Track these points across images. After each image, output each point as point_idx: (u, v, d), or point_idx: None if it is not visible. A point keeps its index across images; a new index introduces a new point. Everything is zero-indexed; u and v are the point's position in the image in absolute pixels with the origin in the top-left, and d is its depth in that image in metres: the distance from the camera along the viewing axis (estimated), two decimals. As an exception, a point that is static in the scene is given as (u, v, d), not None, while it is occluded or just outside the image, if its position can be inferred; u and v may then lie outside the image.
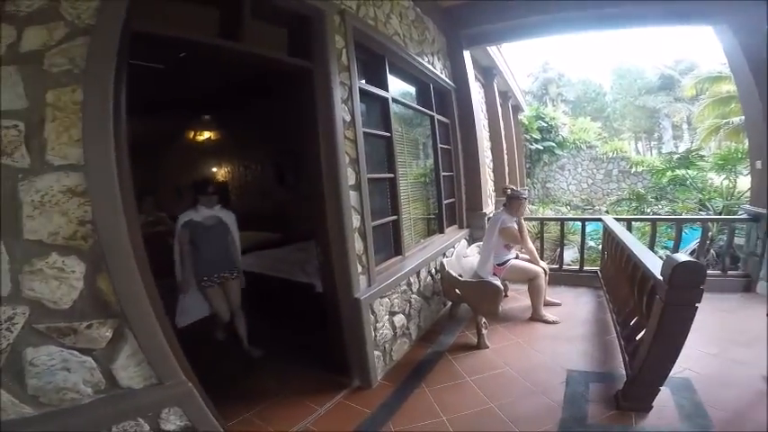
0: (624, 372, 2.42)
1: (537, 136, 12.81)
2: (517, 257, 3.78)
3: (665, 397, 2.23)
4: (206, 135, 6.11)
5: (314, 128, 2.47)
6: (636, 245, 2.85)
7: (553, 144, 13.34)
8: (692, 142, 18.19)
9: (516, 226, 3.59)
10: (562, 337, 3.23)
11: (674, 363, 2.05)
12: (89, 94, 1.35)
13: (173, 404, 1.59)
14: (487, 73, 6.73)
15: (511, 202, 3.64)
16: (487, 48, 5.79)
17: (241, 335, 3.18)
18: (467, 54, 4.94)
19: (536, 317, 3.57)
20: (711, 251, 5.83)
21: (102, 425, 1.43)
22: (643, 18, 4.41)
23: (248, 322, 3.24)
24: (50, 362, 1.34)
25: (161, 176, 6.21)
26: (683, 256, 1.95)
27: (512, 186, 4.07)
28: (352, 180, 2.62)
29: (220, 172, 6.44)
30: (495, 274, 3.54)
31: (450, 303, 3.88)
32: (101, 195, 1.37)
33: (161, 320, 1.55)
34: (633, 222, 4.91)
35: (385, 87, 3.25)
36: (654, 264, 2.20)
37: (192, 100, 4.96)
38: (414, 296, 3.36)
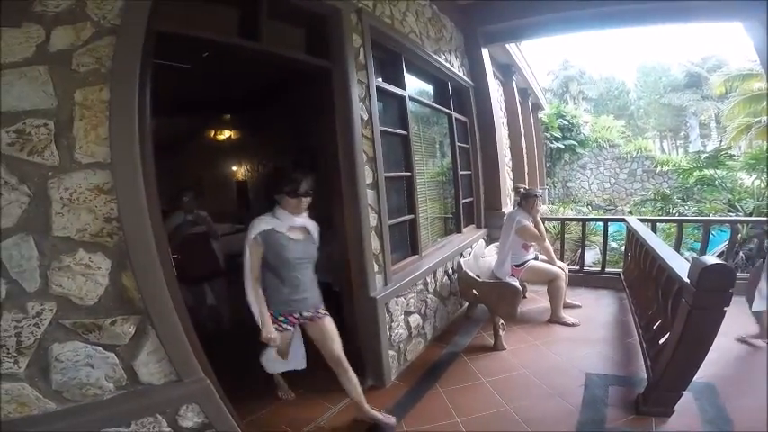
0: (645, 376, 2.36)
1: (557, 134, 12.56)
2: (536, 258, 3.72)
3: (687, 402, 2.17)
4: (226, 134, 6.22)
5: (332, 126, 2.48)
6: (661, 246, 2.76)
7: (574, 143, 13.06)
8: (720, 141, 17.55)
9: (533, 224, 3.52)
10: (582, 339, 3.16)
11: (698, 367, 1.99)
12: (115, 93, 1.38)
13: (191, 401, 1.62)
14: (506, 70, 6.63)
15: (526, 200, 3.59)
16: (506, 45, 5.70)
17: None
18: (485, 52, 4.87)
19: (555, 319, 3.50)
20: (741, 253, 5.61)
21: (122, 420, 1.46)
22: (668, 15, 4.26)
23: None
24: (75, 357, 1.37)
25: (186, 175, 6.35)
26: (711, 259, 1.87)
27: (523, 185, 4.04)
28: (369, 179, 2.62)
29: (240, 171, 6.54)
30: (512, 276, 3.50)
31: (466, 304, 3.84)
32: (126, 193, 1.40)
33: (182, 318, 1.57)
34: (658, 223, 4.76)
35: (402, 86, 3.24)
36: (680, 266, 2.12)
37: (216, 99, 5.05)
38: (430, 296, 3.34)
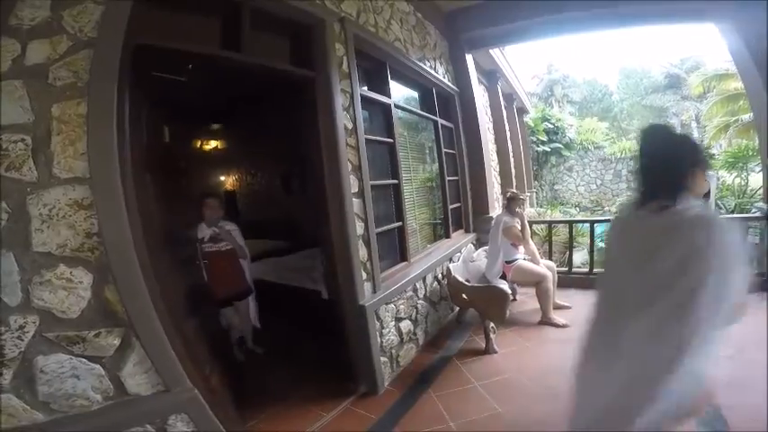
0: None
1: (543, 138, 12.75)
2: (524, 259, 3.77)
3: None
4: (213, 144, 6.18)
5: (316, 136, 2.49)
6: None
7: (560, 145, 13.27)
8: (701, 140, 17.92)
9: (518, 225, 3.68)
10: (573, 340, 3.11)
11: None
12: (93, 107, 1.38)
13: (179, 410, 1.62)
14: (491, 76, 6.72)
15: (509, 203, 3.81)
16: (490, 51, 5.78)
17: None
18: (469, 58, 4.94)
19: (545, 320, 3.53)
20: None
21: (111, 430, 1.46)
22: (645, 17, 4.39)
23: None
24: (60, 369, 1.37)
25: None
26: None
27: (511, 189, 4.34)
28: (354, 187, 2.63)
29: (228, 180, 6.50)
30: (504, 274, 3.60)
31: (457, 308, 3.85)
32: (106, 208, 1.40)
33: (167, 329, 1.56)
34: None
35: (387, 93, 3.27)
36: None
37: (205, 109, 5.03)
38: (420, 302, 3.34)
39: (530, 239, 3.78)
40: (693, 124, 22.76)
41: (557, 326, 3.46)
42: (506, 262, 3.69)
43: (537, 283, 3.56)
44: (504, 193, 4.04)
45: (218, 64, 2.07)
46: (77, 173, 1.37)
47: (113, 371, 1.47)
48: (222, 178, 6.51)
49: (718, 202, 7.00)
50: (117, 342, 1.47)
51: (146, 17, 1.58)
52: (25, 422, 1.32)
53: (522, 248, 3.78)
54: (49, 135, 1.32)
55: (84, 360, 1.41)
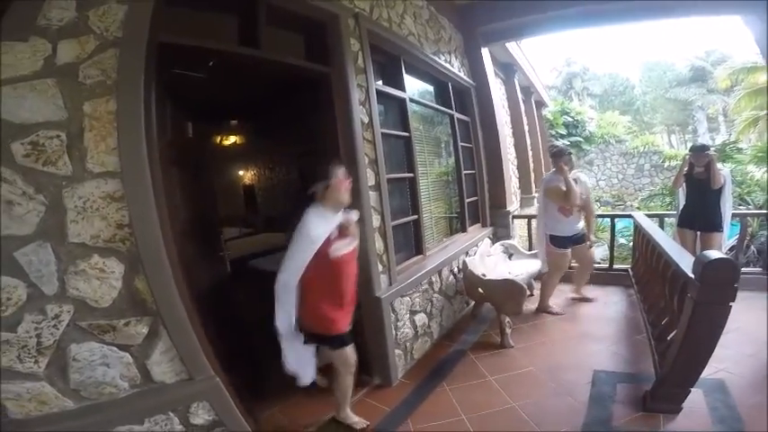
0: (654, 372, 2.35)
1: (563, 131, 12.48)
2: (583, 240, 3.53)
3: (696, 398, 2.16)
4: (232, 139, 6.30)
5: (333, 130, 2.52)
6: (667, 241, 2.76)
7: (580, 139, 12.98)
8: (729, 134, 17.27)
9: (564, 184, 3.29)
10: (590, 336, 3.16)
11: (705, 363, 1.98)
12: (122, 104, 1.44)
13: (201, 399, 1.67)
14: (507, 69, 6.63)
15: (554, 160, 3.44)
16: (506, 44, 5.70)
17: None
18: (485, 51, 4.88)
19: (542, 307, 3.67)
20: (752, 247, 5.54)
21: (136, 418, 1.51)
22: (668, 10, 4.26)
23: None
24: (92, 357, 1.43)
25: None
26: (715, 253, 1.88)
27: (555, 143, 4.02)
28: (371, 181, 2.66)
29: (247, 175, 6.62)
30: (551, 247, 3.52)
31: (472, 302, 3.86)
32: (136, 200, 1.46)
33: (192, 318, 1.62)
34: (666, 218, 4.72)
35: (402, 88, 3.27)
36: (685, 261, 2.12)
37: (224, 106, 5.12)
38: (436, 295, 3.36)
39: (580, 202, 3.34)
40: (721, 118, 21.95)
41: (552, 313, 3.59)
42: (553, 236, 3.43)
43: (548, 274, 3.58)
44: (549, 148, 3.68)
45: (237, 60, 2.11)
46: (109, 167, 1.43)
47: (141, 359, 1.53)
48: (241, 173, 6.64)
49: (747, 198, 6.77)
50: (145, 331, 1.53)
51: (166, 15, 1.62)
52: (56, 409, 1.37)
53: (574, 217, 3.41)
54: (81, 131, 1.38)
55: (114, 348, 1.47)
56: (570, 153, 3.47)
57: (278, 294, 1.88)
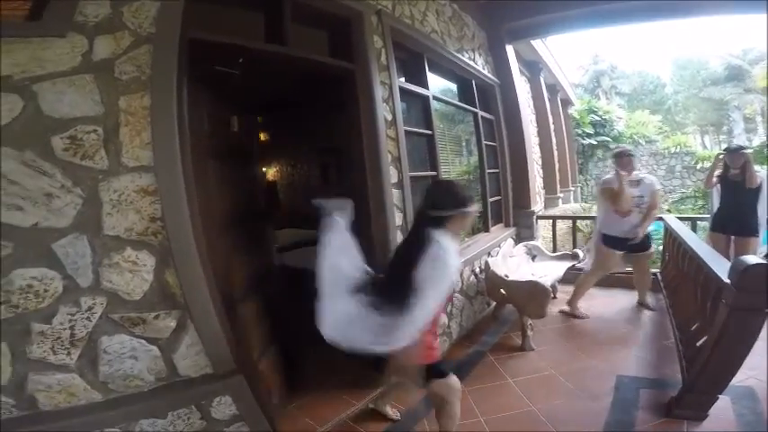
0: (681, 378, 2.28)
1: (590, 130, 12.14)
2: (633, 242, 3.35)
3: (723, 406, 2.08)
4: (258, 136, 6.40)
5: (357, 127, 2.52)
6: (700, 245, 2.65)
7: (608, 139, 12.58)
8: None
9: (616, 185, 3.23)
10: (615, 341, 3.07)
11: (736, 370, 1.91)
12: (156, 100, 1.47)
13: (224, 393, 1.68)
14: (533, 67, 6.50)
15: (612, 160, 3.46)
16: (531, 41, 5.59)
17: None
18: (509, 49, 4.80)
19: (570, 306, 3.64)
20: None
21: (160, 411, 1.53)
22: (700, 8, 4.09)
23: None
24: (121, 350, 1.46)
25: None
26: (753, 259, 1.80)
27: (619, 146, 4.04)
28: (394, 178, 2.65)
29: (270, 171, 6.72)
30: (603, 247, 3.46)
31: (494, 303, 3.80)
32: (169, 194, 1.49)
33: (219, 313, 1.64)
34: (698, 221, 4.53)
35: (425, 85, 3.25)
36: (720, 266, 2.05)
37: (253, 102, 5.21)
38: (456, 295, 3.33)
39: (629, 207, 3.22)
40: (759, 118, 20.93)
41: (576, 317, 3.52)
42: (606, 235, 3.38)
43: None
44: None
45: (264, 57, 2.14)
46: (143, 161, 1.46)
47: (168, 352, 1.55)
48: (264, 169, 6.75)
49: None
50: (173, 324, 1.55)
51: (197, 12, 1.65)
52: (84, 401, 1.40)
53: (632, 218, 3.28)
54: (117, 126, 1.42)
55: (143, 341, 1.49)
56: (630, 155, 3.38)
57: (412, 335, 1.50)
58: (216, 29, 1.82)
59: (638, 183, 3.32)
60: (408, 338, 1.46)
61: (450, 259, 1.52)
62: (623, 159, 3.33)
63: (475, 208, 1.69)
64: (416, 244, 1.54)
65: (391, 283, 1.61)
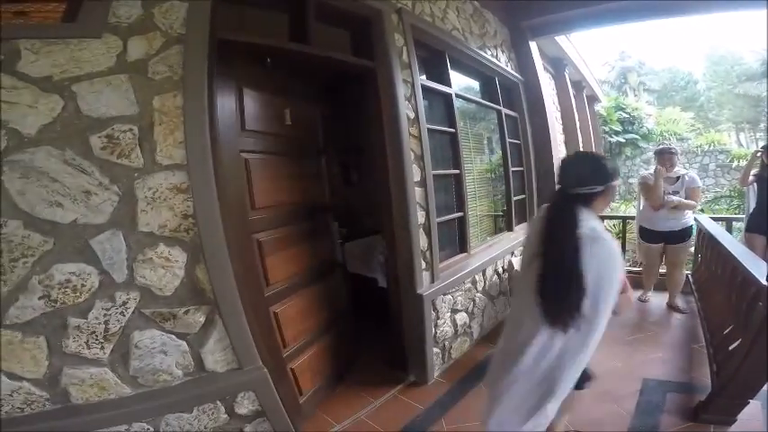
0: (710, 383, 2.21)
1: (617, 128, 11.77)
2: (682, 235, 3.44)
3: (752, 411, 2.01)
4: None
5: (379, 126, 2.52)
6: (736, 246, 2.54)
7: (637, 136, 12.16)
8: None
9: (652, 180, 3.37)
10: (643, 343, 2.98)
11: (771, 376, 1.82)
12: (188, 99, 1.50)
13: (248, 389, 1.71)
14: (557, 63, 6.34)
15: (655, 158, 3.59)
16: (555, 38, 5.46)
17: None
18: (533, 45, 4.69)
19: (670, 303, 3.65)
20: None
21: (186, 406, 1.57)
22: (728, 3, 3.92)
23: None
24: (152, 345, 1.49)
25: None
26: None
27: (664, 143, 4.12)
28: (417, 176, 2.64)
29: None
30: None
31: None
32: (201, 192, 1.53)
33: (245, 308, 1.67)
34: (734, 222, 4.34)
35: (447, 83, 3.22)
36: (757, 267, 1.98)
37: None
38: (478, 295, 3.29)
39: (661, 202, 3.32)
40: (799, 114, 19.85)
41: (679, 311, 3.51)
42: (642, 227, 3.59)
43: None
44: None
45: (290, 57, 2.16)
46: (177, 160, 1.50)
47: (196, 348, 1.58)
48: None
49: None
50: (202, 320, 1.58)
51: (224, 13, 1.68)
52: (114, 395, 1.44)
53: (661, 213, 3.39)
54: (151, 125, 1.46)
55: (172, 336, 1.53)
56: (670, 152, 3.48)
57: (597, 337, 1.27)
58: (241, 29, 1.86)
59: (677, 179, 3.42)
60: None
61: (615, 244, 1.30)
62: (662, 156, 3.46)
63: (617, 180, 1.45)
64: (568, 233, 1.26)
65: (554, 289, 1.26)
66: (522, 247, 2.14)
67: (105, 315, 1.42)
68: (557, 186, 1.39)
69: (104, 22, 1.39)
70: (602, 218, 4.30)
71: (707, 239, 3.29)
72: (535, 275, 1.30)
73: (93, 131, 1.38)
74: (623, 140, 11.92)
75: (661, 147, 3.65)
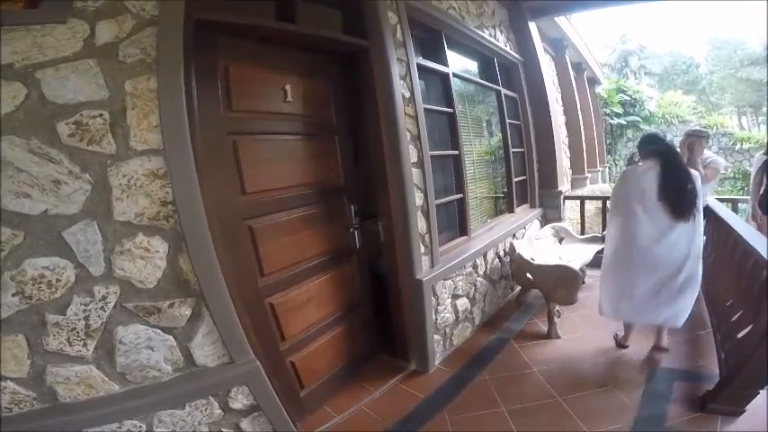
0: (717, 371, 2.16)
1: (618, 110, 11.59)
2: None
3: (762, 401, 1.93)
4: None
5: (374, 106, 2.43)
6: (745, 228, 2.46)
7: (638, 119, 11.98)
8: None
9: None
10: (648, 330, 2.91)
11: (783, 364, 1.75)
12: (162, 82, 1.41)
13: (242, 383, 1.65)
14: (557, 45, 6.22)
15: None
16: (555, 19, 5.31)
17: None
18: (532, 26, 4.57)
19: None
20: None
21: (178, 402, 1.51)
22: None
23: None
24: (137, 340, 1.43)
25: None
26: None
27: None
28: (414, 157, 2.55)
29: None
30: None
31: (518, 288, 3.69)
32: (180, 177, 1.45)
33: (234, 299, 1.61)
34: (739, 204, 4.25)
35: (444, 63, 3.11)
36: (770, 250, 1.89)
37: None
38: (479, 279, 3.23)
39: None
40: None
41: None
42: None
43: None
44: None
45: (275, 36, 2.05)
46: (152, 144, 1.41)
47: (184, 342, 1.52)
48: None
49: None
50: (189, 313, 1.51)
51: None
52: (102, 393, 1.38)
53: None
54: (124, 110, 1.37)
55: (158, 331, 1.46)
56: (700, 135, 3.18)
57: None
58: (224, 8, 1.74)
59: (704, 161, 3.18)
60: None
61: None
62: (690, 139, 3.13)
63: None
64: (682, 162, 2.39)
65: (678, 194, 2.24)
66: (612, 199, 2.63)
67: (85, 311, 1.35)
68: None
69: (70, 8, 1.31)
70: (585, 198, 4.22)
71: (714, 222, 3.20)
72: (654, 199, 2.25)
73: (59, 118, 1.29)
74: (624, 122, 11.75)
75: (688, 130, 3.31)
